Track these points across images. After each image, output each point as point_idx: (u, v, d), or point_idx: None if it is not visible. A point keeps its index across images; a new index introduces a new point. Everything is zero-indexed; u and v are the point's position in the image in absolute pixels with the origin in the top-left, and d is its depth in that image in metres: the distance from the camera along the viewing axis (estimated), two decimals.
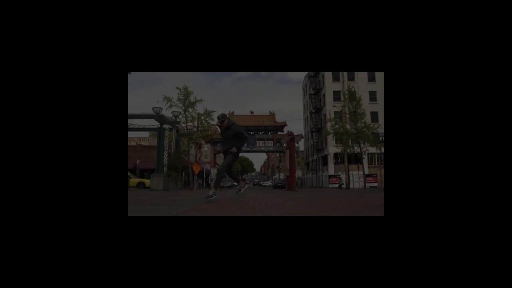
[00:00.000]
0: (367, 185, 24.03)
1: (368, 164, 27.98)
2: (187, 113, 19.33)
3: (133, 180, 17.85)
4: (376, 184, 25.95)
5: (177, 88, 19.32)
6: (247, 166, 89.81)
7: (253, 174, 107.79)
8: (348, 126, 22.78)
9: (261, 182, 55.28)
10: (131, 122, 15.32)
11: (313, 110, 35.47)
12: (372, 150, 23.73)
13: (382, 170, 24.12)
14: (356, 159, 25.96)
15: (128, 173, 19.19)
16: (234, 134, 4.59)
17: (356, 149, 22.68)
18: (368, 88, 31.06)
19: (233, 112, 40.01)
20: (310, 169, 39.14)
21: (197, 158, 19.23)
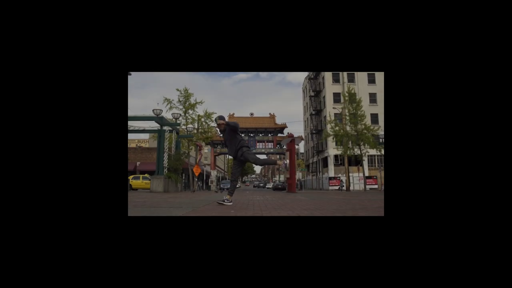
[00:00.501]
0: (367, 187, 24.01)
1: (368, 166, 27.97)
2: (187, 115, 19.33)
3: None
4: (376, 186, 25.95)
5: (177, 90, 19.34)
6: (247, 168, 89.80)
7: (253, 176, 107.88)
8: (348, 128, 22.77)
9: (261, 184, 55.37)
10: (131, 124, 15.31)
11: (313, 112, 35.49)
12: (372, 152, 23.72)
13: (382, 172, 24.10)
14: (356, 161, 25.95)
15: (149, 176, 19.14)
16: (230, 130, 4.33)
17: (356, 151, 22.66)
18: (368, 90, 31.10)
19: (233, 114, 40.07)
20: (310, 171, 39.12)
21: (197, 160, 19.23)
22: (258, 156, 4.27)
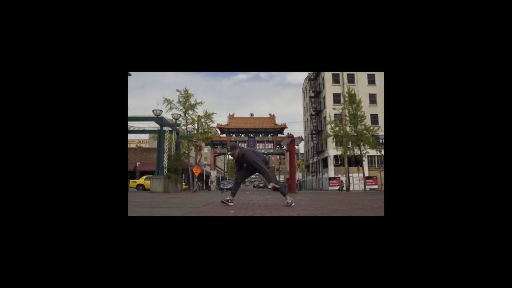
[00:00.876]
0: (367, 187, 24.00)
1: (368, 166, 27.96)
2: (187, 115, 19.34)
3: None
4: (376, 186, 25.92)
5: (177, 90, 19.38)
6: None
7: (253, 176, 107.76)
8: (348, 129, 22.76)
9: (261, 185, 55.41)
10: (131, 124, 15.30)
11: (313, 113, 35.47)
12: (372, 152, 23.72)
13: (382, 173, 24.10)
14: (356, 162, 25.94)
15: None
16: (248, 162, 4.46)
17: (356, 152, 22.66)
18: (368, 91, 31.07)
19: (233, 114, 40.10)
20: (310, 171, 39.10)
21: (197, 160, 19.23)
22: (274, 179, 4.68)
